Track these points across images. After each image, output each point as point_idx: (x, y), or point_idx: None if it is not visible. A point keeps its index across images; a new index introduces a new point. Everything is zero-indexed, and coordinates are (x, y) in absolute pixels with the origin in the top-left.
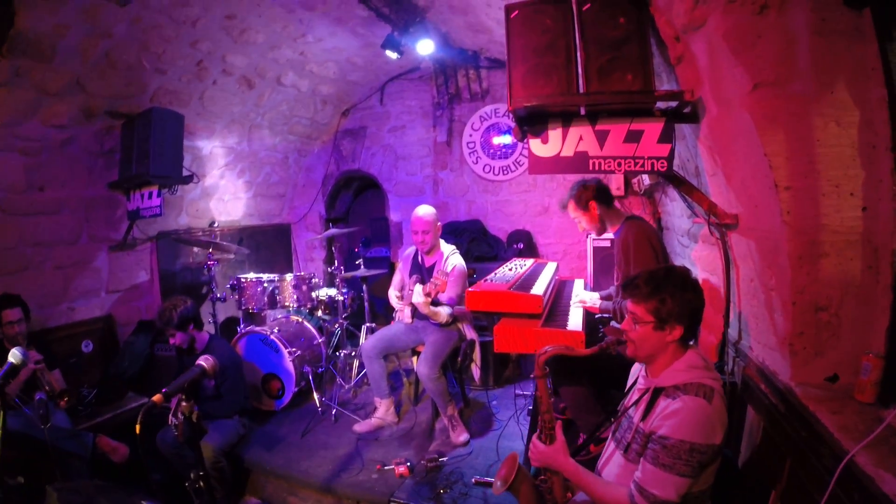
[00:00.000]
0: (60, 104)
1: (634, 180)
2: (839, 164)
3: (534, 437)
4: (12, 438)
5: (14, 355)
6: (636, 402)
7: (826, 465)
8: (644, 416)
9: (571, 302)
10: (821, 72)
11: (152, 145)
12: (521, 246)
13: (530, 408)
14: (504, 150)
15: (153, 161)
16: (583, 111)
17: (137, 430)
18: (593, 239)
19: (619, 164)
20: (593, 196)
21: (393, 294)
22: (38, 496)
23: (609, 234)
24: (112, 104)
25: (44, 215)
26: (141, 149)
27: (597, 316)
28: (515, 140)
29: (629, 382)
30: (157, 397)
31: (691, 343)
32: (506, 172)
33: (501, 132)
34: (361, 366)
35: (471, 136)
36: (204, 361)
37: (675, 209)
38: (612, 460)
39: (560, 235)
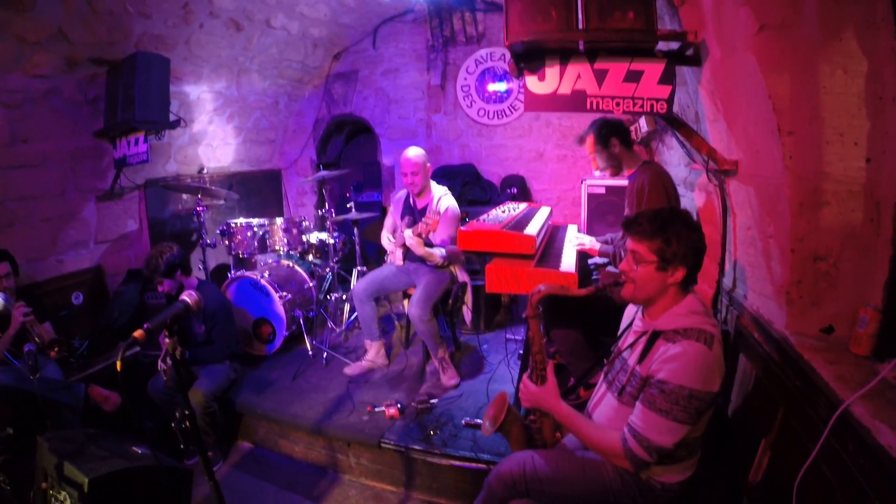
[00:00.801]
0: (42, 54)
1: (632, 128)
2: (844, 113)
3: (524, 378)
4: (2, 393)
5: None
6: (632, 345)
7: (820, 414)
8: (641, 360)
9: (566, 243)
10: (828, 18)
11: (137, 90)
12: (515, 191)
13: (521, 352)
14: (499, 95)
15: (139, 107)
16: (581, 48)
17: (118, 368)
18: (588, 185)
19: (618, 104)
20: (615, 133)
21: (385, 236)
22: (30, 448)
23: (608, 181)
24: (95, 52)
25: (28, 168)
26: (126, 95)
27: (590, 261)
28: (510, 87)
29: (623, 325)
30: (138, 333)
31: (691, 287)
32: (500, 117)
33: (497, 77)
34: (352, 310)
35: (465, 79)
36: (187, 297)
37: (672, 158)
38: (603, 402)
39: (555, 181)
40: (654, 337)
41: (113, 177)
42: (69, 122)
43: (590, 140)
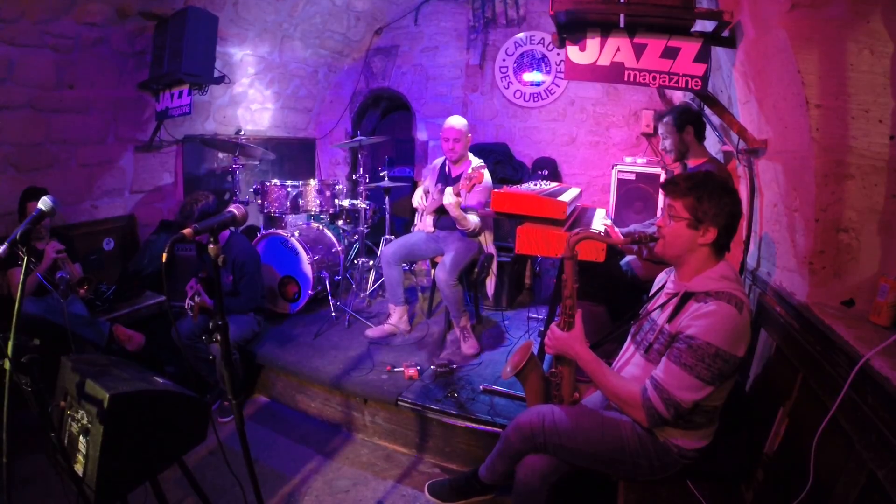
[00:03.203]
0: (95, 2)
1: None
2: (870, 90)
3: (552, 325)
4: (31, 322)
5: (44, 202)
6: (662, 306)
7: (840, 372)
8: (671, 319)
9: (594, 220)
10: (858, 0)
11: (186, 44)
12: (546, 173)
13: (541, 329)
14: (535, 85)
15: (186, 59)
16: (622, 22)
17: (164, 259)
18: (619, 170)
19: (654, 78)
20: (692, 122)
21: (418, 193)
22: (53, 370)
23: (638, 168)
24: (146, 5)
25: (72, 113)
26: (174, 47)
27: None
28: (544, 79)
29: (653, 289)
30: (186, 231)
31: (723, 254)
32: (536, 99)
33: (535, 60)
34: (377, 277)
35: (504, 61)
36: (235, 209)
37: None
38: (631, 362)
39: (585, 167)
40: (685, 298)
41: (153, 129)
42: (115, 71)
43: (668, 120)
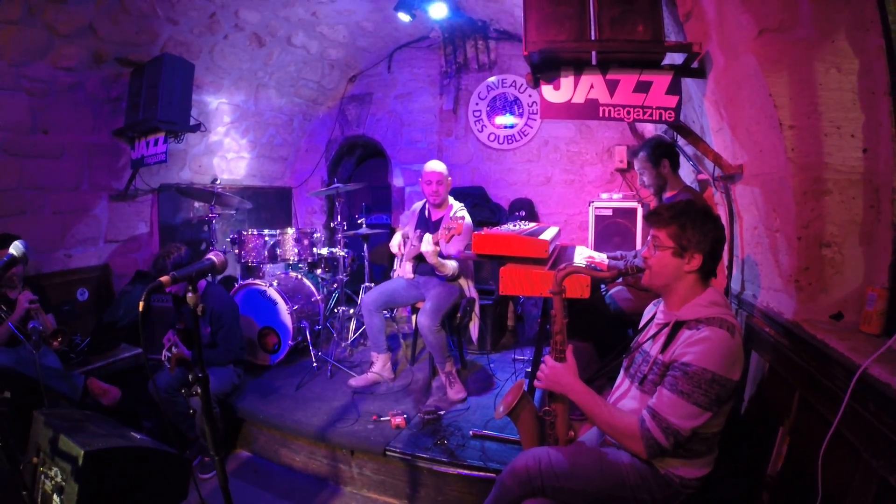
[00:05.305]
0: (71, 47)
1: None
2: (840, 107)
3: (546, 356)
4: (2, 375)
5: (16, 247)
6: (653, 337)
7: (838, 384)
8: (663, 349)
9: (576, 256)
10: (822, 21)
11: (162, 91)
12: (523, 214)
13: (528, 370)
14: (508, 127)
15: (161, 107)
16: (594, 60)
17: (141, 307)
18: (596, 207)
19: (629, 113)
20: (667, 154)
21: (396, 239)
22: (25, 424)
23: (615, 203)
24: (122, 51)
25: (46, 159)
26: (150, 94)
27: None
28: (516, 122)
29: (642, 322)
30: (164, 278)
31: (710, 281)
32: (510, 141)
33: (507, 103)
34: (358, 326)
35: (477, 104)
36: (214, 256)
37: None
38: (627, 396)
39: (562, 205)
40: (676, 328)
41: (128, 178)
42: (90, 117)
43: (642, 156)
